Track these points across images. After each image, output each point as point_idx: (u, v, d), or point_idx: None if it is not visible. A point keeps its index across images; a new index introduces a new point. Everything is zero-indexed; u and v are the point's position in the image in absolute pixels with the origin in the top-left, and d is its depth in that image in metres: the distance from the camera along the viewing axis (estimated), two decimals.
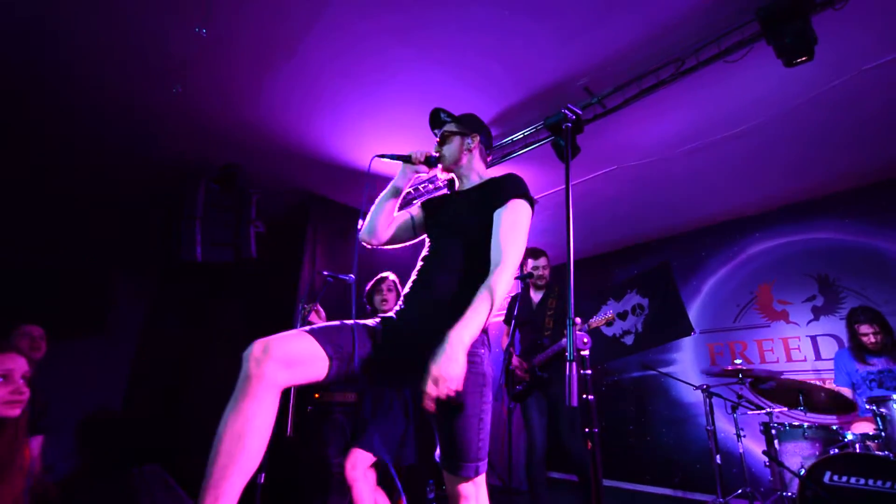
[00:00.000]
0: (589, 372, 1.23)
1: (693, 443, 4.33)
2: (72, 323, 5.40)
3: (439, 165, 1.63)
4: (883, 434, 2.47)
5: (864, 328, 3.01)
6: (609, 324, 3.48)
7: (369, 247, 1.67)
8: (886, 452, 2.31)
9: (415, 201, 1.97)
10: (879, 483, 2.20)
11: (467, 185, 1.62)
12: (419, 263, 1.51)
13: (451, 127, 1.65)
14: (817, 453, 2.63)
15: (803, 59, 2.10)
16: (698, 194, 4.31)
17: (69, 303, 5.44)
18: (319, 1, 2.33)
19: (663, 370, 4.28)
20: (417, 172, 1.67)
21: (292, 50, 2.64)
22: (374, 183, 3.66)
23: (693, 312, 4.73)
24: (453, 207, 1.56)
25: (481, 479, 1.35)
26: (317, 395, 3.17)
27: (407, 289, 1.48)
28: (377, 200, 1.67)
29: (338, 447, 3.02)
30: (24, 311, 3.54)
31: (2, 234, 4.93)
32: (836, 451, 2.42)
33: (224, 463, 1.04)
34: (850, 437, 2.53)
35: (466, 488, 1.31)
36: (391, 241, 1.68)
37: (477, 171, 1.64)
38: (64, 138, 3.39)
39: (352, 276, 2.69)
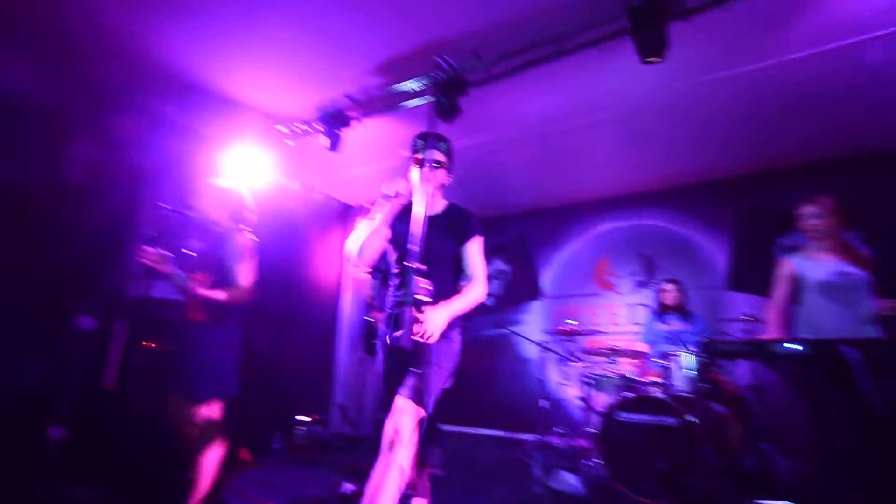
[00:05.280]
0: (422, 315, 1.28)
1: (529, 392, 4.93)
2: None
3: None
4: (665, 381, 3.11)
5: (668, 286, 3.83)
6: None
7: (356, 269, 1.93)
8: (664, 395, 2.91)
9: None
10: (655, 417, 2.78)
11: (435, 209, 1.92)
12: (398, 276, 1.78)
13: (445, 159, 1.92)
14: (619, 397, 3.21)
15: (656, 59, 2.39)
16: (561, 176, 4.75)
17: None
18: None
19: (513, 329, 4.75)
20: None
21: None
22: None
23: (545, 280, 5.33)
24: (432, 234, 1.75)
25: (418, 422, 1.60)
26: (145, 343, 2.82)
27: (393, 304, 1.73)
28: (371, 231, 1.83)
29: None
30: None
31: None
32: (629, 394, 2.97)
33: None
34: (640, 383, 3.14)
35: (411, 414, 1.59)
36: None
37: (442, 196, 1.99)
38: None
39: (193, 207, 2.41)
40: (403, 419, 1.56)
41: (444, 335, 1.67)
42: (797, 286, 2.40)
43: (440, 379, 1.72)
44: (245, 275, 2.28)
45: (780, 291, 2.44)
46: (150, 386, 2.72)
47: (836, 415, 2.03)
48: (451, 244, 1.88)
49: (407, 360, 1.61)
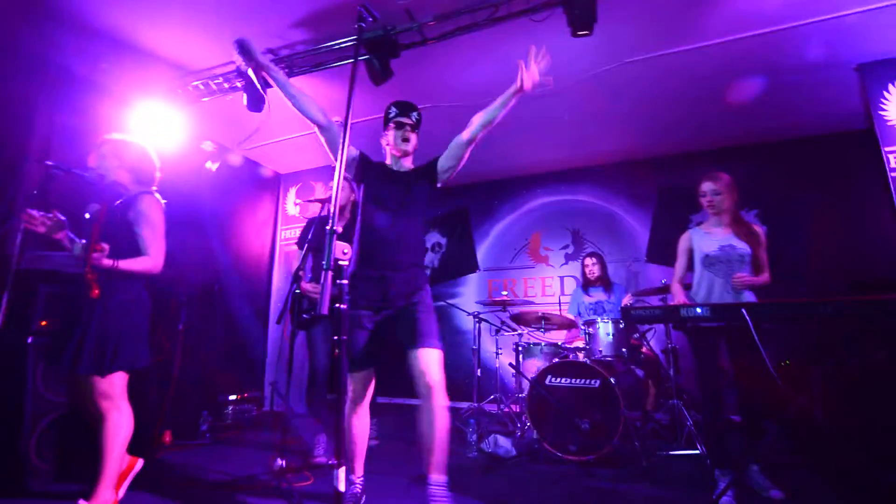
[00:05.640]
0: (345, 282, 1.23)
1: (465, 361, 5.06)
2: None
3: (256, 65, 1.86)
4: (589, 347, 3.30)
5: (588, 261, 4.00)
6: None
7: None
8: (587, 359, 3.08)
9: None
10: (579, 381, 2.93)
11: (405, 168, 2.08)
12: (372, 231, 1.94)
13: (417, 124, 2.08)
14: (547, 363, 3.36)
15: (585, 32, 2.41)
16: (500, 149, 4.76)
17: None
18: None
19: (450, 301, 4.80)
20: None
21: None
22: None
23: (482, 253, 5.40)
24: (403, 189, 1.99)
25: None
26: (44, 323, 2.52)
27: (374, 260, 1.93)
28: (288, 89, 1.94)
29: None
30: None
31: None
32: (557, 360, 3.12)
33: None
34: (567, 350, 3.30)
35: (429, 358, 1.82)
36: (323, 130, 1.94)
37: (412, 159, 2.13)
38: None
39: (90, 166, 2.13)
40: (435, 367, 1.81)
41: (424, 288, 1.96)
42: (692, 257, 2.58)
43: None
44: (153, 242, 2.05)
45: (678, 263, 2.63)
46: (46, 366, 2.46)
47: (705, 371, 2.28)
48: (423, 191, 2.02)
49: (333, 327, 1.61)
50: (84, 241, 1.97)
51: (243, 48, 1.81)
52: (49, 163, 2.05)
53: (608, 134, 4.47)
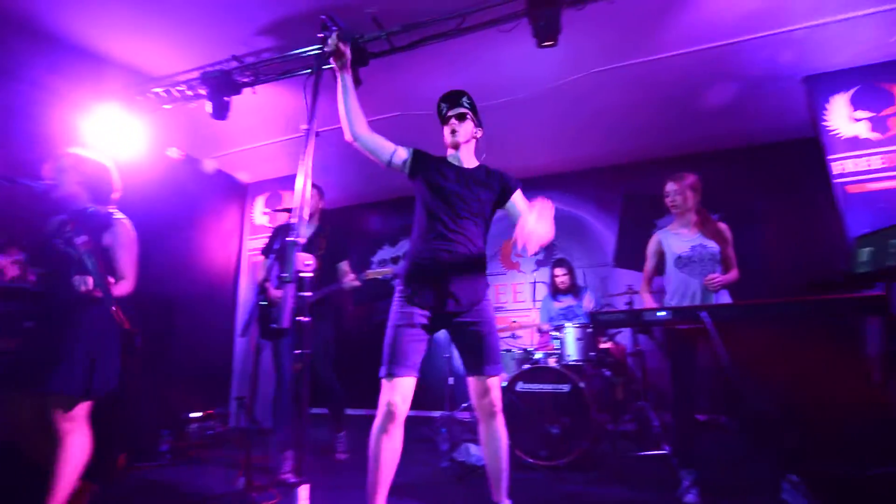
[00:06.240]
0: (309, 294, 1.20)
1: (437, 369, 5.02)
2: None
3: (342, 63, 1.71)
4: (559, 352, 3.33)
5: (558, 271, 4.03)
6: (385, 275, 3.64)
7: (353, 143, 1.79)
8: (557, 364, 3.11)
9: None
10: (549, 386, 2.96)
11: (466, 164, 1.93)
12: (434, 229, 1.78)
13: (469, 111, 1.93)
14: (518, 370, 3.37)
15: (550, 43, 2.47)
16: None
17: None
18: None
19: None
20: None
21: None
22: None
23: None
24: (466, 187, 1.82)
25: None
26: None
27: (430, 251, 1.76)
28: (342, 104, 1.77)
29: None
30: None
31: None
32: (527, 366, 3.14)
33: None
34: (538, 356, 3.33)
35: (494, 382, 1.78)
36: (366, 147, 1.79)
37: (475, 155, 1.98)
38: None
39: (49, 181, 2.01)
40: (498, 390, 1.80)
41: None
42: (663, 260, 2.62)
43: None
44: (130, 266, 2.06)
45: (647, 265, 2.68)
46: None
47: (696, 372, 2.32)
48: (488, 199, 1.87)
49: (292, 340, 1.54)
50: (84, 275, 1.88)
51: (341, 34, 1.63)
52: None
53: (575, 141, 4.58)
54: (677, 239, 2.56)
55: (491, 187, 1.88)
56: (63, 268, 1.93)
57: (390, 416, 1.66)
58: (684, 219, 2.56)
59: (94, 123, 3.41)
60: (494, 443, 1.78)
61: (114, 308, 1.91)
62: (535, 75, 3.41)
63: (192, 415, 4.04)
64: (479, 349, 1.76)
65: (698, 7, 2.83)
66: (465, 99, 1.94)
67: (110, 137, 3.47)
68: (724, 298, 2.43)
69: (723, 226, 2.55)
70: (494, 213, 1.94)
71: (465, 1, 2.65)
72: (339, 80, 1.75)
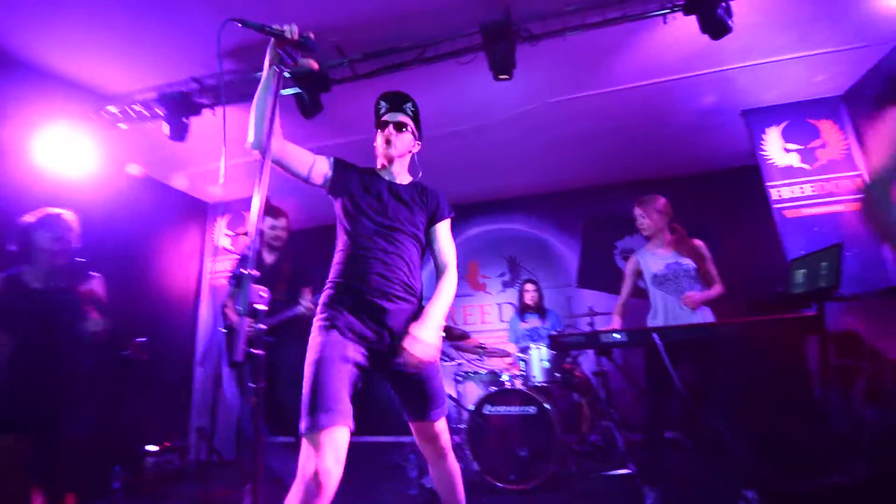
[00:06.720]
0: (263, 326, 1.19)
1: None
2: None
3: (310, 58, 1.51)
4: (526, 374, 3.36)
5: (528, 286, 4.14)
6: None
7: (257, 158, 1.39)
8: (523, 386, 3.14)
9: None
10: (516, 408, 2.98)
11: (399, 179, 1.70)
12: (365, 250, 1.53)
13: (411, 121, 1.69)
14: (486, 392, 3.38)
15: (505, 76, 2.58)
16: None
17: None
18: None
19: None
20: (283, 62, 1.42)
21: None
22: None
23: (423, 281, 5.41)
24: (399, 205, 1.62)
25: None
26: None
27: (359, 275, 1.50)
28: (254, 101, 1.45)
29: None
30: None
31: None
32: (494, 388, 3.15)
33: None
34: (504, 378, 3.35)
35: (441, 425, 1.60)
36: (280, 163, 1.52)
37: (408, 171, 1.76)
38: None
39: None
40: (446, 428, 1.63)
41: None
42: (642, 280, 2.70)
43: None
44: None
45: (623, 286, 2.76)
46: None
47: (653, 391, 2.39)
48: (421, 221, 1.65)
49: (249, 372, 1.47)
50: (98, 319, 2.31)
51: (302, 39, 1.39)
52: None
53: (533, 166, 4.74)
54: (654, 258, 2.64)
55: (425, 208, 1.67)
56: (61, 314, 2.20)
57: (317, 488, 1.20)
58: (658, 239, 2.65)
59: (44, 142, 3.29)
60: (449, 480, 1.64)
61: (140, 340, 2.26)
62: (495, 103, 3.53)
63: (149, 448, 3.82)
64: (422, 392, 1.53)
65: (640, 47, 3.03)
66: (409, 105, 1.70)
67: (61, 156, 3.36)
68: (706, 315, 2.50)
69: (698, 242, 2.62)
70: (433, 232, 1.70)
71: (424, 33, 2.74)
72: (265, 72, 1.45)
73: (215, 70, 3.06)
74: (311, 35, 1.41)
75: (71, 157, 3.42)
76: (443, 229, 1.70)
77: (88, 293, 2.30)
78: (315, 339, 1.43)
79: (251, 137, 1.44)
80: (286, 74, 1.57)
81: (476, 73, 2.93)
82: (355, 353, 1.42)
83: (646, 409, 2.45)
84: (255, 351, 1.19)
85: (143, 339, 2.81)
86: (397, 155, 1.68)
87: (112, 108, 3.39)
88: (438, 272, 1.66)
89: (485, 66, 2.75)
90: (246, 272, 1.16)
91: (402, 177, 1.72)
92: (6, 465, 1.98)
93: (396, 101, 1.69)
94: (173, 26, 2.73)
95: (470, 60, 2.80)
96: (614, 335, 1.98)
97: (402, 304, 1.53)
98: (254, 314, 1.17)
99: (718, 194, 4.71)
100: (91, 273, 2.41)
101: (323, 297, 1.53)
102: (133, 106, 3.36)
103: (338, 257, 1.58)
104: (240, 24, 1.30)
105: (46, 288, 2.21)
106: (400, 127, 1.67)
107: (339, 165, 1.63)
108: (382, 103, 1.70)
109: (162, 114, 3.21)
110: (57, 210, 2.36)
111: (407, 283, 1.56)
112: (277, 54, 1.41)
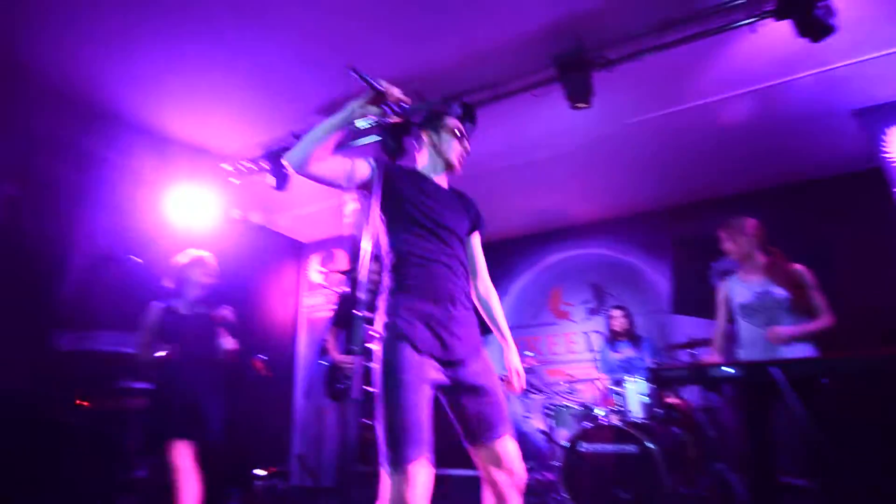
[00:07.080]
0: (376, 366, 1.27)
1: None
2: None
3: (368, 104, 1.45)
4: (622, 409, 3.17)
5: (615, 313, 3.95)
6: None
7: (293, 174, 1.46)
8: (622, 423, 2.96)
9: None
10: (615, 446, 2.81)
11: (443, 183, 1.63)
12: (429, 253, 1.43)
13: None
14: (578, 427, 3.23)
15: (583, 105, 2.56)
16: (513, 208, 4.90)
17: None
18: None
19: None
20: (375, 114, 1.45)
21: None
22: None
23: (504, 311, 5.37)
24: (450, 209, 1.55)
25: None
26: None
27: (427, 281, 1.41)
28: (320, 128, 1.43)
29: None
30: None
31: None
32: (589, 424, 3.00)
33: None
34: (599, 412, 3.18)
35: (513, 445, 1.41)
36: (316, 177, 1.45)
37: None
38: None
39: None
40: (519, 459, 1.42)
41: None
42: (730, 309, 2.49)
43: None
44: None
45: (718, 315, 2.54)
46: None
47: (771, 431, 2.13)
48: (466, 226, 1.59)
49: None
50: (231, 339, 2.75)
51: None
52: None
53: (615, 188, 4.58)
54: (742, 286, 2.42)
55: (468, 214, 1.62)
56: (204, 333, 2.64)
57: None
58: (750, 263, 2.41)
59: (172, 199, 3.85)
60: None
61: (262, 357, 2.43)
62: (570, 129, 3.51)
63: (257, 471, 4.12)
64: (490, 407, 1.38)
65: (727, 57, 2.86)
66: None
67: (185, 209, 3.90)
68: (805, 351, 2.20)
69: (798, 268, 2.34)
70: (469, 241, 1.65)
71: (497, 73, 2.84)
72: (346, 107, 1.44)
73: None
74: (409, 102, 1.47)
75: (193, 209, 3.95)
76: (478, 238, 1.69)
77: (221, 318, 2.72)
78: (389, 357, 1.29)
79: (297, 155, 1.41)
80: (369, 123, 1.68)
81: (553, 103, 2.96)
82: (431, 370, 1.31)
83: (746, 449, 2.19)
84: (369, 389, 1.28)
85: (265, 356, 3.26)
86: (454, 158, 1.61)
87: (226, 166, 3.90)
88: (476, 281, 1.64)
89: (560, 93, 2.77)
90: (360, 314, 1.24)
91: (443, 181, 1.64)
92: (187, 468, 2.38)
93: (468, 114, 1.66)
94: (275, 87, 3.11)
95: (543, 94, 2.84)
96: (728, 369, 1.81)
97: (467, 312, 1.48)
98: (367, 353, 1.26)
99: (831, 205, 4.18)
100: (222, 304, 2.79)
101: (385, 307, 1.39)
102: (242, 162, 3.84)
103: (394, 261, 1.44)
104: (354, 73, 1.39)
105: (191, 313, 2.67)
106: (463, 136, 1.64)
107: (382, 165, 1.52)
108: (456, 108, 1.65)
109: (268, 167, 3.63)
110: (202, 252, 2.78)
111: (466, 289, 1.51)
112: (373, 108, 1.45)
